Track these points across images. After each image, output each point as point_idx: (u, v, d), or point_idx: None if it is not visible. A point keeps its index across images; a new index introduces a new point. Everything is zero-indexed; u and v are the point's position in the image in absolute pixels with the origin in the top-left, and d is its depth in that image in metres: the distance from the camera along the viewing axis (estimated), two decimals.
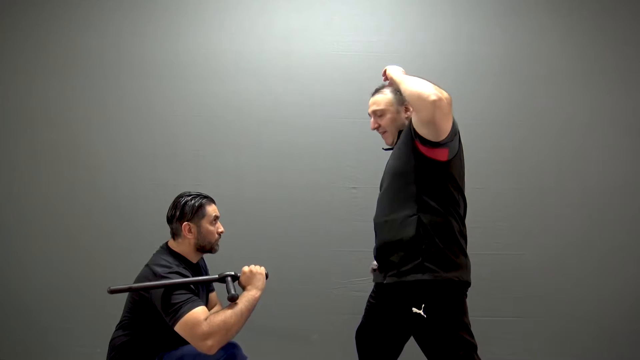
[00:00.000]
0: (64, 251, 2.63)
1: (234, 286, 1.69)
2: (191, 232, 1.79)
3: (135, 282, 1.74)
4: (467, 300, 1.74)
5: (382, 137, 1.93)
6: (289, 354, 2.63)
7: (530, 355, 2.61)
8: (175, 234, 1.83)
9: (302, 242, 2.63)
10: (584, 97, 2.68)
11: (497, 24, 2.70)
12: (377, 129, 1.92)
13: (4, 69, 2.69)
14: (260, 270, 1.80)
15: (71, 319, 2.60)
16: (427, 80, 1.66)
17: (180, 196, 1.85)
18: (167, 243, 1.85)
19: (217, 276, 1.73)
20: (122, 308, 1.81)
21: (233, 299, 1.64)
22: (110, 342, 1.78)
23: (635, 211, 2.66)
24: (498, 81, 2.70)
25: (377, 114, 1.90)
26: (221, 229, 1.88)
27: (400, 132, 1.87)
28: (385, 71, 1.91)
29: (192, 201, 1.81)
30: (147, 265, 1.77)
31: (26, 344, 2.62)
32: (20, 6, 2.70)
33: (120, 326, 1.78)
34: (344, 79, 2.69)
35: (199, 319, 1.57)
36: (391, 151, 1.91)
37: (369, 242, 2.39)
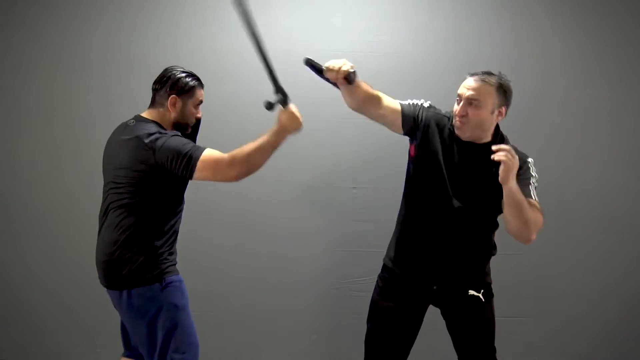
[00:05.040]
0: (64, 251, 2.64)
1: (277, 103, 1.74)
2: (175, 107, 1.82)
3: (119, 161, 1.73)
4: None
5: (459, 124, 1.73)
6: (289, 354, 2.63)
7: (530, 355, 2.61)
8: (156, 103, 1.84)
9: (302, 242, 2.63)
10: (584, 96, 2.68)
11: (497, 25, 2.69)
12: (462, 116, 1.71)
13: (5, 69, 2.69)
14: (299, 115, 1.83)
15: (71, 319, 2.60)
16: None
17: (172, 69, 1.85)
18: (140, 114, 1.85)
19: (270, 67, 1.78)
20: None
21: (270, 107, 1.74)
22: (112, 226, 1.72)
23: (636, 211, 2.66)
24: None
25: (471, 102, 1.70)
26: (200, 114, 1.93)
27: (495, 138, 1.78)
28: (505, 161, 1.56)
29: (186, 79, 1.83)
30: (130, 137, 1.73)
31: (26, 344, 2.62)
32: (20, 6, 2.70)
33: (121, 206, 1.71)
34: None
35: (217, 155, 1.67)
36: (462, 147, 1.77)
37: (369, 242, 2.40)
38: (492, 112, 1.72)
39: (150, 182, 1.70)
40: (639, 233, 2.65)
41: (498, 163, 1.59)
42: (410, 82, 2.54)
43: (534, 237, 1.64)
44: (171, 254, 1.79)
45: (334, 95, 2.71)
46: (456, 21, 2.69)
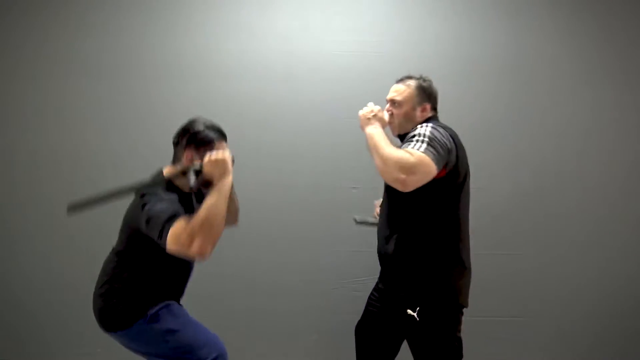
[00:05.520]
0: (64, 251, 2.63)
1: (195, 179, 1.63)
2: (192, 163, 1.71)
3: (127, 213, 1.75)
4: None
5: (389, 126, 1.92)
6: (289, 354, 2.63)
7: (529, 355, 2.61)
8: (175, 159, 1.75)
9: (303, 242, 2.63)
10: (585, 97, 2.68)
11: (497, 25, 2.70)
12: (389, 116, 1.91)
13: (5, 69, 2.69)
14: (221, 155, 1.62)
15: (72, 319, 2.60)
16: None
17: (194, 121, 1.75)
18: (162, 168, 1.78)
19: (179, 169, 1.66)
20: None
21: (192, 190, 1.63)
22: (106, 272, 1.74)
23: (636, 211, 2.66)
24: (498, 81, 2.70)
25: (394, 103, 1.90)
26: None
27: (405, 134, 1.85)
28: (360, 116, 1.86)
29: (205, 132, 1.71)
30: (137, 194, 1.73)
31: (27, 344, 2.62)
32: (19, 7, 2.70)
33: (117, 256, 1.74)
34: (344, 78, 2.69)
35: (178, 230, 1.49)
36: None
37: (369, 242, 2.39)
38: (414, 109, 1.88)
39: (140, 239, 1.66)
40: (639, 233, 2.65)
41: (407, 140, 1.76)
42: None
43: (401, 175, 1.60)
44: (156, 295, 1.76)
45: (334, 95, 2.72)
46: (455, 21, 2.69)
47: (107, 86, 2.68)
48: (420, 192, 1.67)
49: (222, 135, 1.77)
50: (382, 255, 1.86)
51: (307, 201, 2.65)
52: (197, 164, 1.65)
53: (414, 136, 1.72)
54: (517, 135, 2.68)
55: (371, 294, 2.00)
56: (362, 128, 1.84)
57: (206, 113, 2.66)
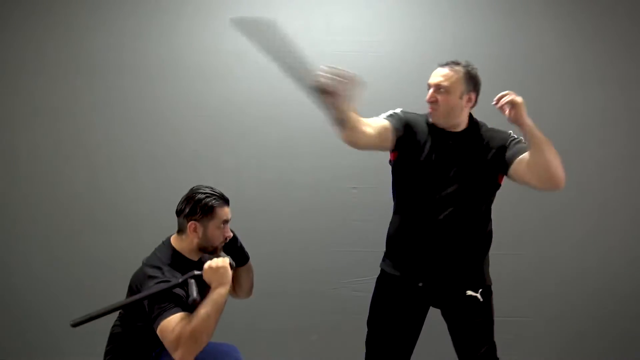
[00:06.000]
0: (66, 251, 2.64)
1: (196, 289, 1.60)
2: (196, 232, 1.73)
3: (131, 279, 1.73)
4: None
5: (430, 111, 1.80)
6: (289, 354, 2.63)
7: (530, 355, 2.61)
8: (181, 229, 1.77)
9: (302, 242, 2.64)
10: (582, 97, 2.68)
11: (497, 25, 2.70)
12: (432, 102, 1.78)
13: (7, 69, 2.70)
14: (222, 263, 1.65)
15: (72, 319, 2.60)
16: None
17: (195, 191, 1.77)
18: (169, 237, 1.80)
19: (179, 281, 1.63)
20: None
21: (194, 303, 1.56)
22: (110, 333, 1.78)
23: (635, 211, 2.66)
24: (498, 81, 2.68)
25: (440, 89, 1.76)
26: (228, 233, 1.81)
27: (471, 124, 1.84)
28: (514, 102, 1.67)
29: (205, 200, 1.73)
30: (143, 263, 1.75)
31: (27, 344, 2.63)
32: (24, 7, 2.70)
33: (119, 318, 1.78)
34: None
35: (169, 328, 1.53)
36: (447, 137, 1.82)
37: (369, 242, 2.39)
38: (461, 98, 1.77)
39: (139, 310, 1.67)
40: (638, 233, 2.65)
41: (479, 148, 1.78)
42: (409, 82, 2.54)
43: (562, 184, 1.66)
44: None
45: None
46: (455, 22, 2.69)
47: (108, 86, 2.69)
48: (490, 193, 1.88)
49: (225, 201, 1.79)
50: (454, 251, 1.84)
51: (307, 201, 2.65)
52: (197, 272, 1.64)
53: (520, 139, 1.81)
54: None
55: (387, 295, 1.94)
56: (521, 118, 1.66)
57: (207, 112, 2.69)
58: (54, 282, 2.63)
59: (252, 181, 2.67)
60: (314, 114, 2.70)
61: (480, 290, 1.85)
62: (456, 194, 1.79)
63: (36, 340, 2.63)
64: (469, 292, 1.83)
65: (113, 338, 1.76)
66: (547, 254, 2.63)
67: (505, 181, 2.63)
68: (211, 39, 2.70)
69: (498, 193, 2.66)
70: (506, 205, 2.64)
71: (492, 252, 2.60)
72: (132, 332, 1.73)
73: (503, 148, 1.79)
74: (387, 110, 1.91)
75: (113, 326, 1.78)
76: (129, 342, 1.73)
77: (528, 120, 1.66)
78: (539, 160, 1.65)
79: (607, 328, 2.63)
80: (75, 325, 1.57)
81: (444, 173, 1.80)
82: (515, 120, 1.67)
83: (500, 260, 2.60)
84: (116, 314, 1.75)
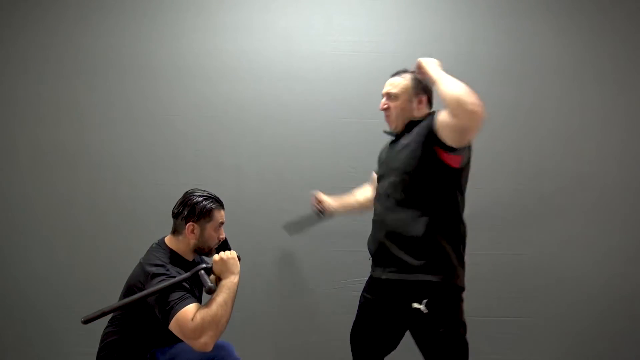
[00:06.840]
0: (66, 251, 2.64)
1: (209, 279, 1.67)
2: (193, 233, 1.78)
3: (129, 280, 1.74)
4: (466, 301, 1.78)
5: (386, 120, 1.92)
6: (289, 354, 2.63)
7: (530, 355, 2.61)
8: (176, 231, 1.80)
9: (302, 241, 2.64)
10: (581, 96, 2.68)
11: (495, 25, 2.70)
12: (384, 110, 1.91)
13: (9, 69, 2.70)
14: (230, 255, 1.74)
15: (72, 319, 2.60)
16: (462, 82, 1.63)
17: (191, 194, 1.81)
18: (163, 239, 1.83)
19: (189, 274, 1.68)
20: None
21: (211, 292, 1.63)
22: (101, 338, 1.77)
23: (634, 211, 2.66)
24: (498, 81, 2.70)
25: (390, 96, 1.89)
26: (223, 235, 1.86)
27: (409, 123, 1.86)
28: (419, 63, 1.82)
29: (203, 203, 1.78)
30: (140, 262, 1.75)
31: (28, 344, 2.63)
32: (25, 8, 2.71)
33: (111, 321, 1.77)
34: (344, 78, 2.69)
35: (188, 317, 1.56)
36: (394, 140, 1.92)
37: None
38: (411, 101, 1.86)
39: (139, 310, 1.69)
40: (637, 232, 2.65)
41: (412, 136, 1.78)
42: None
43: (474, 107, 1.55)
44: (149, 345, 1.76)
45: (334, 95, 2.72)
46: (454, 21, 2.70)
47: (108, 86, 2.69)
48: (434, 177, 1.72)
49: (220, 204, 1.84)
50: (404, 238, 1.73)
51: (307, 201, 2.65)
52: (204, 265, 1.71)
53: None
54: (517, 134, 2.68)
55: (365, 292, 1.96)
56: (427, 73, 1.76)
57: (207, 112, 2.70)
58: (56, 282, 2.63)
59: (252, 180, 2.67)
60: (314, 114, 2.72)
61: (426, 300, 1.67)
62: (391, 184, 1.82)
63: (38, 340, 2.63)
64: (414, 305, 1.68)
65: (106, 342, 1.75)
66: (547, 254, 2.63)
67: (505, 181, 2.65)
68: (212, 39, 2.71)
69: (498, 193, 2.68)
70: (506, 206, 2.66)
71: (492, 252, 2.61)
72: (126, 334, 1.73)
73: (430, 125, 1.73)
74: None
75: (105, 331, 1.77)
76: (124, 344, 1.73)
77: (434, 73, 1.73)
78: (446, 96, 1.63)
79: (607, 328, 2.63)
80: (86, 321, 1.58)
81: (384, 170, 1.91)
82: (423, 78, 1.81)
83: (500, 260, 2.62)
84: (110, 316, 1.76)
